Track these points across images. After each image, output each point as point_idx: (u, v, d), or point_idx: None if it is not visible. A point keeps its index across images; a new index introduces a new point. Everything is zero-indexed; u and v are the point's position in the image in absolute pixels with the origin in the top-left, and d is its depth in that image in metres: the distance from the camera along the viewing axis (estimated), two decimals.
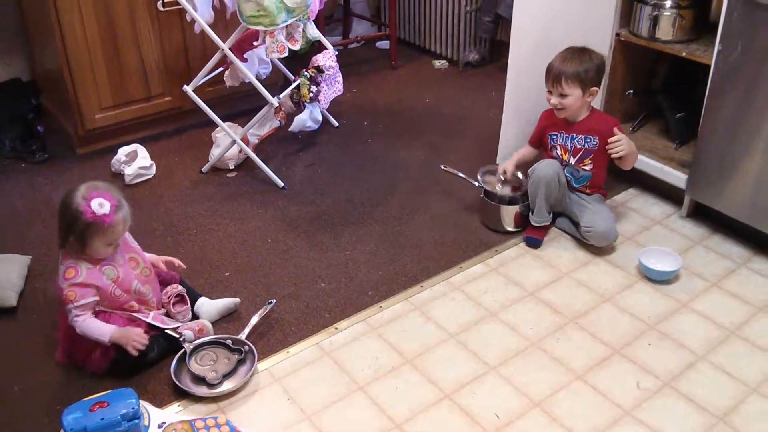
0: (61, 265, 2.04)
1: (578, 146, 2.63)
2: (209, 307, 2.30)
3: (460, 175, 2.91)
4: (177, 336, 2.13)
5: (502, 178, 2.80)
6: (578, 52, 2.56)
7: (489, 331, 2.27)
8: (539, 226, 2.68)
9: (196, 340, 2.15)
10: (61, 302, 2.03)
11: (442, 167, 2.96)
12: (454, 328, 2.29)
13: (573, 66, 2.51)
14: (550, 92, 2.58)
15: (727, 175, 2.57)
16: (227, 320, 2.31)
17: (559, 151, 2.67)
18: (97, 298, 2.03)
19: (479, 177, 2.83)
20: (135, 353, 2.04)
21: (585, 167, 2.65)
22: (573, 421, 1.96)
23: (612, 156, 2.59)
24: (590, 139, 2.60)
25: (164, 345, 2.14)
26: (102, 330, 2.02)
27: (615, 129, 2.57)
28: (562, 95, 2.54)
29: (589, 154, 2.63)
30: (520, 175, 2.80)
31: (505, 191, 2.79)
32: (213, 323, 2.27)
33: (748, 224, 2.57)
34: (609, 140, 2.57)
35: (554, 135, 2.68)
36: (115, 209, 1.97)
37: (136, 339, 2.04)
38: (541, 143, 2.77)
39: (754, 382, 2.07)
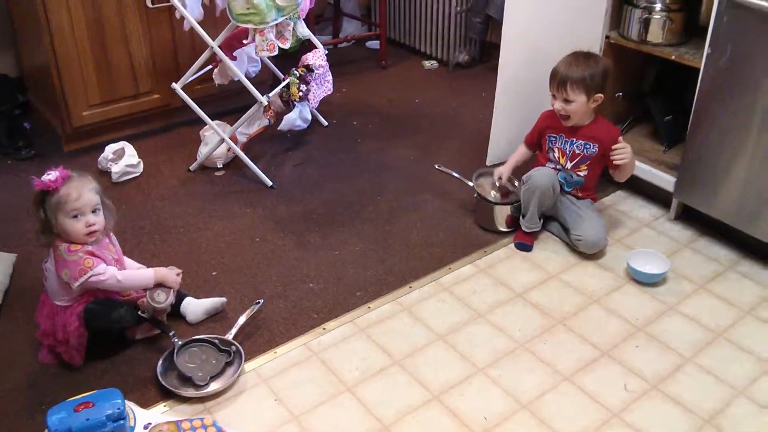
0: (58, 249, 2.04)
1: (577, 151, 2.61)
2: (195, 306, 2.29)
3: (454, 174, 2.90)
4: (168, 333, 2.13)
5: (497, 184, 2.80)
6: (584, 56, 2.53)
7: (477, 333, 2.27)
8: (529, 231, 2.68)
9: (165, 300, 2.16)
10: (78, 276, 2.01)
11: (437, 167, 2.96)
12: (442, 329, 2.28)
13: (578, 71, 2.48)
14: (554, 96, 2.55)
15: (715, 179, 2.57)
16: (214, 320, 2.30)
17: (556, 154, 2.66)
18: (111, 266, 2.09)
19: (474, 180, 2.83)
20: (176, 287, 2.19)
21: (580, 173, 2.64)
22: (561, 423, 1.95)
23: (614, 162, 2.55)
24: (590, 145, 2.58)
25: (132, 312, 2.14)
26: (143, 274, 2.15)
27: (619, 138, 2.55)
28: (567, 101, 2.51)
29: (586, 160, 2.61)
30: (516, 182, 2.78)
31: (497, 197, 2.79)
32: (199, 323, 2.27)
33: (736, 227, 2.59)
34: (613, 147, 2.53)
35: (553, 137, 2.66)
36: (64, 179, 2.03)
37: (174, 278, 2.17)
38: (538, 144, 2.75)
39: (741, 384, 2.08)
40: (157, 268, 2.17)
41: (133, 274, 2.16)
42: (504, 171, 2.79)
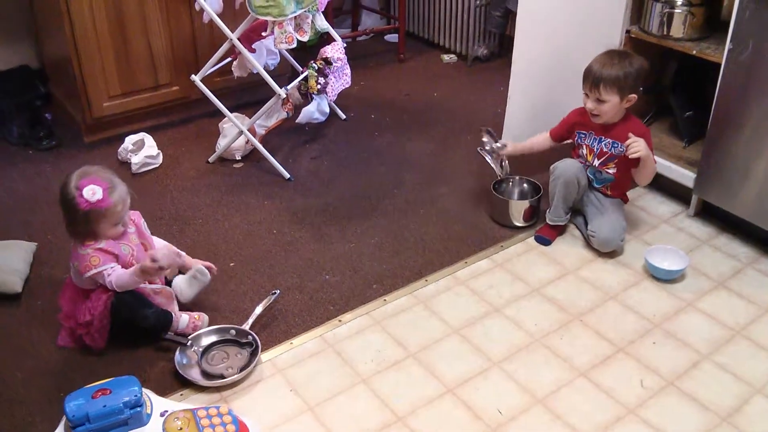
0: (76, 241, 2.07)
1: (604, 150, 2.57)
2: (181, 281, 2.26)
3: (488, 158, 2.86)
4: (184, 342, 2.13)
5: (498, 145, 2.81)
6: (618, 55, 2.48)
7: (493, 327, 2.27)
8: (553, 225, 2.66)
9: (190, 329, 2.17)
10: (83, 271, 2.03)
11: (480, 148, 2.90)
12: (458, 322, 2.28)
13: (613, 71, 2.42)
14: (586, 95, 2.51)
15: (736, 175, 2.55)
16: (231, 311, 2.31)
17: (584, 151, 2.63)
18: (118, 265, 2.07)
19: (483, 133, 2.86)
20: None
21: (608, 170, 2.60)
22: (576, 418, 1.95)
23: (629, 155, 2.47)
24: (617, 144, 2.53)
25: (158, 316, 2.13)
26: (129, 271, 2.06)
27: (630, 134, 2.46)
28: (600, 101, 2.47)
29: (614, 159, 2.56)
30: (506, 163, 2.84)
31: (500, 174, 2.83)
32: (213, 310, 2.29)
33: (756, 224, 2.56)
34: (626, 142, 2.46)
35: (582, 134, 2.63)
36: (107, 192, 2.00)
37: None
38: (564, 138, 2.72)
39: (759, 382, 2.06)
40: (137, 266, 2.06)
41: (125, 275, 2.05)
42: (511, 146, 2.81)
